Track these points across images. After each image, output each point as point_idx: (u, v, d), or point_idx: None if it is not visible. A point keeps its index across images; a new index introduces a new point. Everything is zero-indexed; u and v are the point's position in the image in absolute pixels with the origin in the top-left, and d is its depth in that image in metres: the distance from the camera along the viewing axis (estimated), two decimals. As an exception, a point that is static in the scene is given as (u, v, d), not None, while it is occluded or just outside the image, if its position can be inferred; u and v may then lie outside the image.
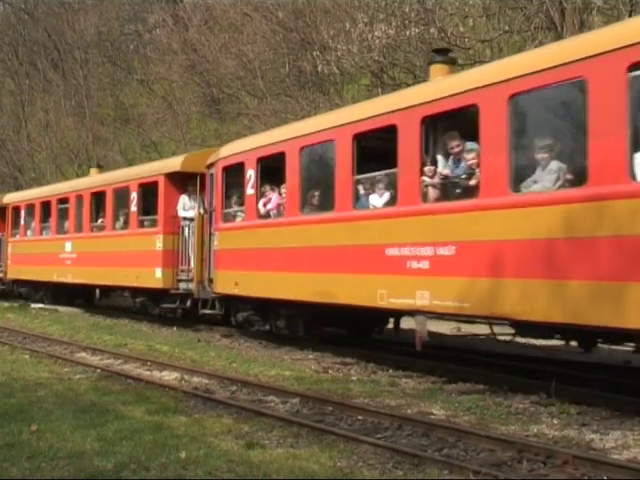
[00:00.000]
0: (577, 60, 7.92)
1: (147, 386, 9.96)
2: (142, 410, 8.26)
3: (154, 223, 17.78)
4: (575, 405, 8.35)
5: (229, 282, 14.34)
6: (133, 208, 18.56)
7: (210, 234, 15.51)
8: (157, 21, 38.06)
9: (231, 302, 14.94)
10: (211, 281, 15.31)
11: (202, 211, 16.37)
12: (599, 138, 7.63)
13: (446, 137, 9.98)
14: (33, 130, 42.79)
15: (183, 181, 17.22)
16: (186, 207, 17.07)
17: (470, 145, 9.51)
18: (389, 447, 6.67)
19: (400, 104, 10.47)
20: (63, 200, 22.61)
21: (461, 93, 9.37)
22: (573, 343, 9.48)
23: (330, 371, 11.21)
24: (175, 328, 17.31)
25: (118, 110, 38.38)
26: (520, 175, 8.63)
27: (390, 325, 13.71)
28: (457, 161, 9.79)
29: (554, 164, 8.33)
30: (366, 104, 12.56)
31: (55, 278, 22.51)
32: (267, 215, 13.56)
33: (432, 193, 10.01)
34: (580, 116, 7.96)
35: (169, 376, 10.87)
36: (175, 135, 32.83)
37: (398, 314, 12.50)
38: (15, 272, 25.63)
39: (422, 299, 9.70)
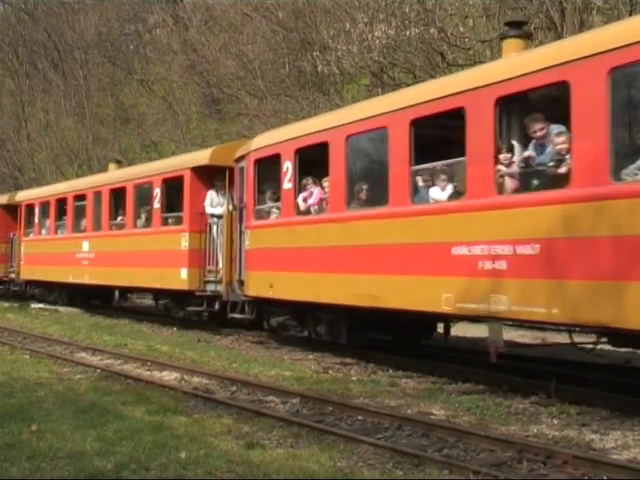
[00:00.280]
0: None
1: (147, 386, 9.96)
2: (142, 410, 8.26)
3: (179, 220, 16.80)
4: (575, 405, 8.35)
5: (263, 284, 13.27)
6: (156, 205, 17.53)
7: (240, 232, 14.54)
8: (157, 21, 38.08)
9: (264, 305, 13.92)
10: (242, 283, 14.33)
11: (231, 208, 15.41)
12: None
13: (528, 120, 8.81)
14: (33, 130, 42.80)
15: (210, 176, 16.21)
16: (214, 203, 16.08)
17: (557, 128, 8.45)
18: (389, 447, 6.67)
19: (469, 84, 9.29)
20: (80, 197, 21.59)
21: (546, 69, 8.20)
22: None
23: (330, 371, 11.20)
24: (175, 328, 17.30)
25: (118, 110, 38.40)
26: (622, 161, 7.54)
27: (437, 330, 12.58)
28: (540, 147, 8.63)
29: None
30: (425, 86, 11.40)
31: (71, 279, 21.57)
32: (307, 211, 12.50)
33: (509, 184, 8.85)
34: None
35: (169, 376, 10.87)
36: (175, 135, 32.84)
37: (458, 320, 11.39)
38: (28, 273, 24.65)
39: (498, 304, 8.60)
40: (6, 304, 24.62)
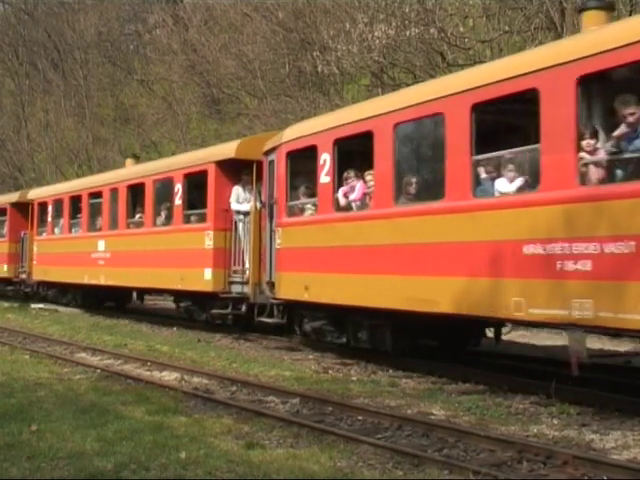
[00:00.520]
0: None
1: (147, 386, 9.95)
2: (142, 410, 8.26)
3: (203, 218, 15.81)
4: (575, 405, 8.34)
5: (297, 286, 12.26)
6: (177, 201, 16.54)
7: (271, 230, 13.45)
8: (157, 21, 38.11)
9: (296, 308, 12.90)
10: (272, 285, 13.27)
11: (259, 204, 14.48)
12: None
13: (618, 102, 7.85)
14: (33, 130, 42.83)
15: (236, 170, 15.16)
16: (240, 199, 15.06)
17: None
18: (389, 447, 6.67)
19: (543, 62, 8.32)
20: (95, 194, 20.51)
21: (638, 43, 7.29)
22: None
23: (330, 371, 11.20)
24: (175, 328, 17.29)
25: (118, 110, 38.43)
26: None
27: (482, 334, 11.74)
28: (633, 132, 7.73)
29: None
30: (488, 67, 10.44)
31: (86, 280, 20.49)
32: (348, 207, 11.53)
33: (594, 173, 7.91)
34: None
35: (169, 376, 10.87)
36: (175, 135, 32.86)
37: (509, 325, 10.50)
38: (41, 273, 23.42)
39: (582, 310, 7.65)
40: (6, 304, 24.62)
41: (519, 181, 8.81)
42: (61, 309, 22.73)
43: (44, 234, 23.69)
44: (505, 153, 9.11)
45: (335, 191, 11.62)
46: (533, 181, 8.56)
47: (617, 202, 7.45)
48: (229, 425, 7.61)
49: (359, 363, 11.81)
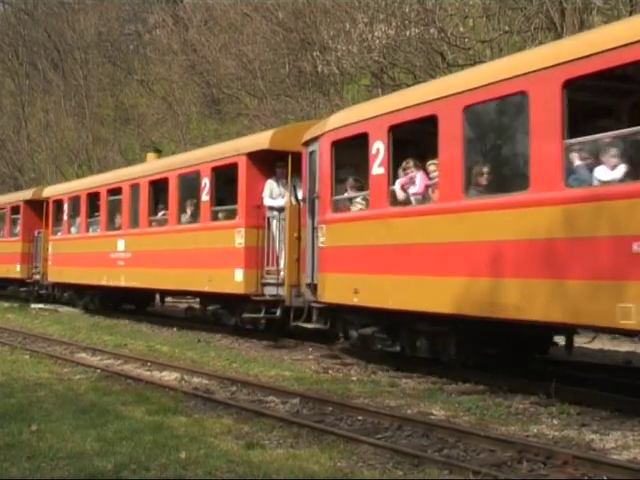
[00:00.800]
0: None
1: (147, 386, 9.95)
2: (142, 410, 8.26)
3: (233, 214, 14.69)
4: (575, 405, 8.35)
5: (344, 289, 11.16)
6: (204, 197, 15.40)
7: (313, 227, 12.25)
8: (157, 21, 38.13)
9: (340, 313, 11.76)
10: (313, 287, 12.11)
11: (294, 199, 13.56)
12: None
13: None
14: (33, 130, 42.85)
15: (269, 162, 14.10)
16: (274, 194, 14.01)
17: None
18: (389, 447, 6.67)
19: None
20: (114, 191, 19.40)
21: None
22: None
23: (330, 371, 11.20)
24: (175, 329, 17.29)
25: (118, 110, 38.45)
26: None
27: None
28: None
29: None
30: (583, 38, 8.91)
31: (105, 282, 19.46)
32: (406, 201, 10.38)
33: None
34: None
35: (169, 376, 10.87)
36: (175, 135, 32.87)
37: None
38: (56, 274, 22.40)
39: None
40: (6, 304, 24.62)
41: (623, 168, 7.64)
42: (61, 309, 22.72)
43: (60, 233, 22.70)
44: (606, 136, 7.96)
45: (390, 183, 10.47)
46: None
47: None
48: (229, 425, 7.61)
49: (359, 363, 11.80)
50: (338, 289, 11.41)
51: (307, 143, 12.64)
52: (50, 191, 23.88)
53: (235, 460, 6.19)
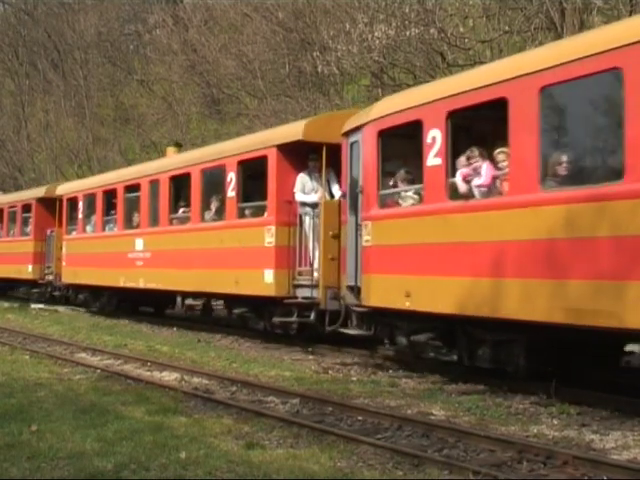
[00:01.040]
0: None
1: (147, 386, 9.96)
2: (142, 410, 8.26)
3: (261, 211, 13.88)
4: (575, 405, 8.35)
5: (394, 292, 10.17)
6: (230, 193, 14.48)
7: (356, 225, 11.31)
8: (157, 21, 38.11)
9: (386, 318, 10.84)
10: (356, 290, 11.19)
11: (327, 194, 12.85)
12: None
13: None
14: (33, 130, 42.83)
15: (302, 155, 13.20)
16: (306, 189, 13.08)
17: None
18: (389, 447, 6.67)
19: None
20: (132, 187, 18.59)
21: None
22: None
23: (330, 371, 11.20)
24: (175, 329, 17.29)
25: (118, 110, 38.43)
26: None
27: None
28: None
29: None
30: None
31: (122, 283, 18.63)
32: (469, 194, 9.28)
33: None
34: None
35: (169, 376, 10.87)
36: (175, 135, 32.79)
37: None
38: (70, 275, 21.55)
39: None
40: (6, 304, 24.61)
41: None
42: (61, 309, 22.71)
43: (74, 232, 21.86)
44: None
45: (448, 175, 9.48)
46: None
47: None
48: (229, 425, 7.61)
49: (359, 363, 11.81)
50: (386, 292, 10.45)
51: (348, 133, 11.71)
52: (64, 189, 22.98)
53: (235, 460, 6.20)
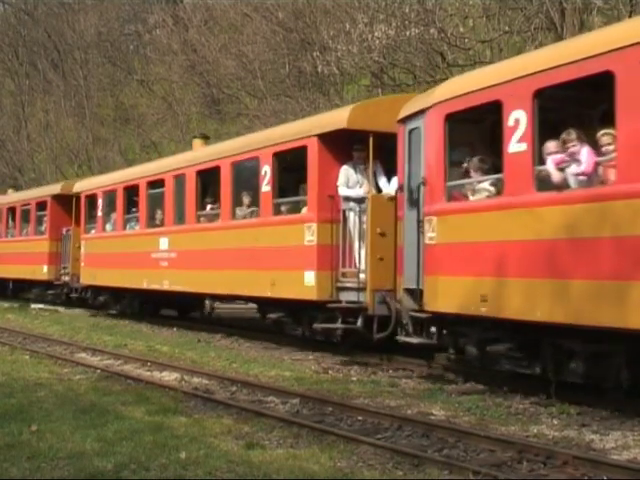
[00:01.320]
0: None
1: (147, 386, 9.96)
2: (142, 410, 8.26)
3: (301, 207, 12.82)
4: (575, 405, 8.35)
5: (467, 296, 9.05)
6: (265, 187, 13.27)
7: (418, 221, 10.09)
8: (157, 21, 38.13)
9: (453, 325, 9.76)
10: (417, 293, 10.10)
11: (374, 188, 11.86)
12: None
13: None
14: (33, 130, 42.85)
15: (346, 145, 12.04)
16: (350, 183, 11.96)
17: None
18: (389, 447, 6.67)
19: None
20: (156, 183, 17.47)
21: None
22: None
23: (330, 371, 11.20)
24: (175, 329, 17.29)
25: (118, 110, 38.45)
26: None
27: None
28: None
29: None
30: None
31: (146, 285, 17.52)
32: (562, 184, 8.04)
33: None
34: None
35: (169, 376, 10.87)
36: (175, 135, 32.88)
37: None
38: (89, 277, 20.38)
39: None
40: (6, 304, 24.60)
41: None
42: (61, 309, 22.71)
43: (93, 231, 20.67)
44: None
45: (534, 162, 8.29)
46: None
47: None
48: (229, 425, 7.61)
49: (359, 363, 11.81)
50: (456, 296, 9.30)
51: (405, 120, 10.57)
52: (82, 185, 21.79)
53: (235, 460, 6.20)
